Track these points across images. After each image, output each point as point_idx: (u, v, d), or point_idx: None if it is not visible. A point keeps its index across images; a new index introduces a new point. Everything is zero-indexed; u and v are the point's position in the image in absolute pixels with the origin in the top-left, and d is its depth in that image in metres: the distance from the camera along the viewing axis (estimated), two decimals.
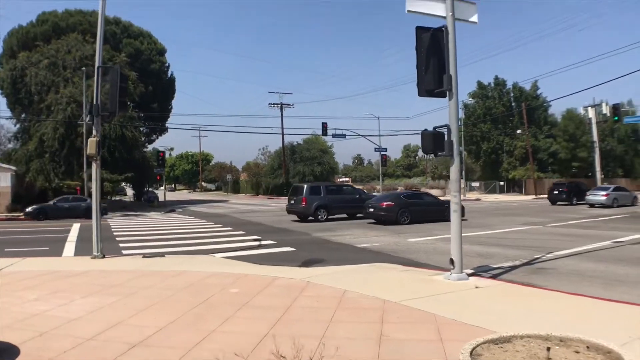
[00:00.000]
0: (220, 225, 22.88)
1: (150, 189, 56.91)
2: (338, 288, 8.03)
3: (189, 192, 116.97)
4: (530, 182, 54.61)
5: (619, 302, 7.33)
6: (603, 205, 32.40)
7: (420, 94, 9.64)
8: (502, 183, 60.05)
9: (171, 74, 50.89)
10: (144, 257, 12.08)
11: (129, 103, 34.54)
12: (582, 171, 57.30)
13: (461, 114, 61.70)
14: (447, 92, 9.32)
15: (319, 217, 24.43)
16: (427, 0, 9.42)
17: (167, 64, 49.90)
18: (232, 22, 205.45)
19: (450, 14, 9.29)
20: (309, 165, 72.87)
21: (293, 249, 14.53)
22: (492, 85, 61.41)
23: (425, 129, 9.64)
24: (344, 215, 25.71)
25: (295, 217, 25.29)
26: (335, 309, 6.76)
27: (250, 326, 5.91)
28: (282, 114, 69.22)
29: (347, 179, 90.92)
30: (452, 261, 9.12)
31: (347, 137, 54.69)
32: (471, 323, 6.02)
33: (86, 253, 12.92)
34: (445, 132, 9.35)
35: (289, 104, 70.08)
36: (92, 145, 11.41)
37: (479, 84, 62.37)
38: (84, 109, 31.37)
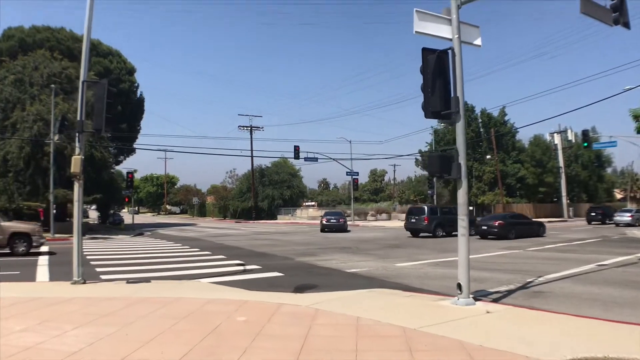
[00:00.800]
0: (197, 249, 22.17)
1: (115, 211, 55.49)
2: (350, 315, 7.64)
3: (154, 215, 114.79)
4: (500, 207, 55.33)
5: (627, 323, 7.56)
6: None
7: (426, 116, 9.49)
8: (471, 208, 60.63)
9: (140, 94, 50.11)
10: (127, 282, 11.42)
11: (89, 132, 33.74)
12: (548, 196, 58.53)
13: (431, 139, 62.53)
14: (455, 115, 9.19)
15: (437, 233, 29.20)
16: (434, 23, 9.35)
17: (136, 84, 49.12)
18: (201, 43, 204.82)
19: (457, 36, 9.26)
20: (279, 188, 72.44)
21: (280, 274, 14.06)
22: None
23: (432, 152, 9.53)
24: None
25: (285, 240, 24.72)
26: (355, 337, 6.39)
27: (274, 358, 5.46)
28: (251, 137, 68.86)
29: (313, 203, 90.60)
30: (459, 286, 8.88)
31: (316, 160, 54.57)
32: (499, 348, 5.97)
33: (62, 277, 12.16)
34: (453, 155, 9.20)
35: (259, 127, 69.81)
36: (76, 163, 10.80)
37: None
38: (52, 127, 30.33)
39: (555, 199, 57.51)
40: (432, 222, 29.47)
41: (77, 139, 11.31)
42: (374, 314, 7.76)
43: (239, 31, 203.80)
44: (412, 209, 33.01)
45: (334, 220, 38.07)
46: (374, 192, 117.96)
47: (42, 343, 6.05)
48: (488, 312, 8.15)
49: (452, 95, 9.15)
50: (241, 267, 15.42)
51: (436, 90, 9.20)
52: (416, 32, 9.23)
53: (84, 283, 10.97)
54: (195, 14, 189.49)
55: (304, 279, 13.23)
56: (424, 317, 7.61)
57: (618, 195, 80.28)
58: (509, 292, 10.89)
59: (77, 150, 11.17)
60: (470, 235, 27.26)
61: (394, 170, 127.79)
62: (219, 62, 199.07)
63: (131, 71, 48.95)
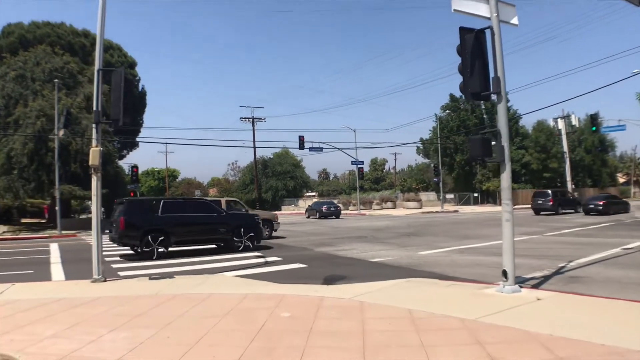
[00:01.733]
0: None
1: None
2: (399, 307, 7.16)
3: None
4: None
5: None
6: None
7: (466, 98, 9.03)
8: (476, 195, 60.37)
9: (142, 88, 49.31)
10: (150, 278, 10.90)
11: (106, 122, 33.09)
12: (552, 181, 58.07)
13: (434, 126, 62.05)
14: (496, 95, 8.69)
15: (560, 210, 37.34)
16: (472, 1, 8.85)
17: (137, 77, 48.36)
18: (203, 34, 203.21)
19: (496, 14, 8.80)
20: (282, 179, 72.07)
21: (304, 265, 13.59)
22: (465, 97, 61.83)
23: (473, 134, 8.98)
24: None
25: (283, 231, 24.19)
26: (415, 331, 5.92)
27: (340, 359, 4.97)
28: (253, 128, 67.81)
29: (314, 194, 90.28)
30: (505, 273, 8.43)
31: (321, 150, 53.97)
32: (571, 337, 5.59)
33: (79, 276, 11.66)
34: (496, 137, 8.70)
35: (261, 118, 68.97)
36: (94, 155, 10.26)
37: (452, 96, 62.85)
38: (56, 122, 29.77)
39: (560, 184, 56.94)
40: (555, 202, 37.57)
41: (94, 130, 10.76)
42: (423, 305, 7.28)
43: (241, 20, 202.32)
44: (537, 193, 41.21)
45: (333, 208, 45.92)
46: (374, 181, 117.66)
47: (77, 350, 5.51)
48: (539, 299, 7.73)
49: (493, 75, 8.66)
50: (262, 260, 14.93)
51: (475, 71, 8.71)
52: (454, 10, 8.84)
53: (105, 281, 10.46)
54: (197, 3, 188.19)
55: (330, 270, 12.76)
56: (477, 307, 7.15)
57: (621, 179, 79.90)
58: (545, 278, 10.54)
59: (94, 142, 10.63)
60: (576, 212, 33.80)
61: (395, 159, 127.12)
62: (219, 52, 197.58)
63: (132, 65, 48.22)
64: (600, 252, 14.09)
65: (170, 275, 11.23)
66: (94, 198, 10.64)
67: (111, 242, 17.17)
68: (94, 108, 10.77)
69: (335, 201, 54.40)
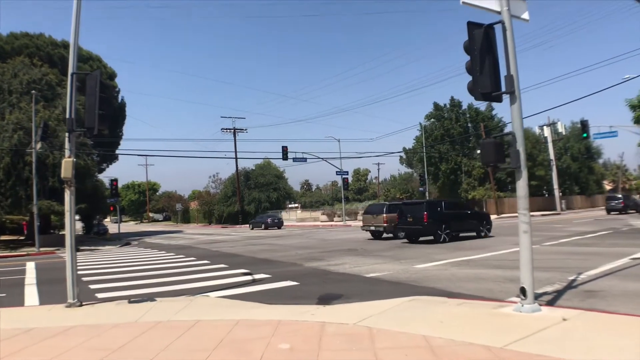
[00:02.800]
0: (193, 258, 20.63)
1: (99, 221, 53.56)
2: (413, 334, 6.32)
3: (137, 223, 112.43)
4: (491, 202, 54.54)
5: None
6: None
7: (476, 98, 8.24)
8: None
9: (122, 99, 48.32)
10: (130, 302, 9.93)
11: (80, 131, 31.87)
12: (539, 189, 57.92)
13: (419, 135, 61.62)
14: (510, 95, 7.96)
15: (629, 211, 44.20)
16: None
17: (117, 89, 47.30)
18: (183, 42, 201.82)
19: (507, 8, 8.07)
20: (265, 191, 70.92)
21: (295, 283, 12.68)
22: (448, 106, 61.64)
23: (485, 138, 8.26)
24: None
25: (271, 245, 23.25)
26: None
27: None
28: (235, 139, 67.12)
29: (297, 205, 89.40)
30: (523, 291, 7.65)
31: (305, 161, 53.18)
32: None
33: (54, 299, 10.64)
34: (510, 141, 7.95)
35: (242, 129, 68.09)
36: (67, 167, 9.31)
37: (435, 105, 62.54)
38: (33, 135, 28.53)
39: (546, 193, 56.89)
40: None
41: (67, 139, 9.82)
42: (439, 330, 6.46)
43: (222, 31, 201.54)
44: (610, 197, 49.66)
45: (276, 220, 52.28)
46: (357, 192, 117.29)
47: None
48: (565, 320, 6.95)
49: (507, 73, 7.94)
50: (249, 277, 13.99)
51: (485, 69, 7.99)
52: (463, 2, 8.16)
53: (81, 305, 9.47)
54: (178, 12, 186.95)
55: (323, 287, 11.91)
56: (500, 331, 6.35)
57: (607, 186, 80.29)
58: (559, 293, 9.83)
59: (67, 153, 9.69)
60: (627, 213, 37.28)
61: (378, 169, 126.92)
62: (201, 63, 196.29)
63: (112, 76, 47.20)
64: (608, 263, 13.40)
65: (151, 298, 10.25)
66: (67, 214, 9.69)
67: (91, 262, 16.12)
68: (67, 115, 9.86)
69: (320, 212, 53.49)
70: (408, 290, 10.64)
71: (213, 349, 5.97)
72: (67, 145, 9.75)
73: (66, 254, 9.57)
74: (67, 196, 9.53)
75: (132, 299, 10.11)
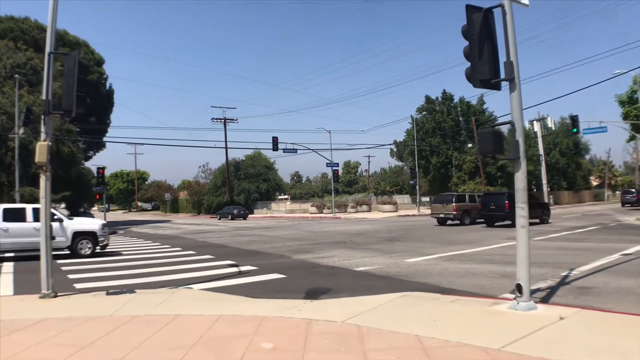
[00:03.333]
0: (179, 249, 20.17)
1: (85, 210, 52.78)
2: (406, 333, 5.94)
3: (124, 212, 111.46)
4: None
5: None
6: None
7: (475, 85, 7.83)
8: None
9: (110, 86, 47.58)
10: (108, 293, 9.48)
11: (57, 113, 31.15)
12: (528, 184, 57.73)
13: (410, 127, 61.30)
14: (509, 83, 7.58)
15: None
16: None
17: (105, 75, 46.54)
18: (174, 31, 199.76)
19: None
20: (254, 182, 70.41)
21: (282, 276, 12.27)
22: (440, 99, 61.34)
23: (483, 127, 7.87)
24: None
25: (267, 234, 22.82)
26: None
27: None
28: (225, 129, 66.57)
29: (286, 197, 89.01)
30: (519, 288, 7.32)
31: (295, 152, 52.71)
32: None
33: (29, 289, 10.11)
34: (508, 131, 7.59)
35: (233, 119, 67.45)
36: (41, 151, 8.80)
37: (427, 98, 62.21)
38: (16, 120, 27.81)
39: (535, 187, 56.81)
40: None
41: (43, 122, 9.30)
42: (432, 329, 6.08)
43: (213, 18, 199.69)
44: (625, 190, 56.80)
45: (242, 212, 55.33)
46: (347, 184, 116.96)
47: None
48: (562, 319, 6.64)
49: (506, 59, 7.55)
50: (235, 269, 13.56)
51: (484, 55, 7.59)
52: None
53: (55, 296, 9.00)
54: (168, 2, 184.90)
55: (311, 280, 11.54)
56: (496, 331, 6.01)
57: (594, 182, 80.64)
58: (552, 289, 9.53)
59: (43, 136, 9.17)
60: None
61: (369, 162, 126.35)
62: (191, 50, 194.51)
63: (99, 62, 46.36)
64: (599, 259, 13.16)
65: (130, 290, 9.80)
66: (42, 200, 9.18)
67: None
68: (44, 97, 9.32)
69: (309, 204, 53.17)
70: (399, 285, 10.29)
71: (191, 346, 5.55)
72: (42, 128, 9.23)
73: (41, 241, 9.08)
74: (42, 182, 9.03)
75: (110, 291, 9.66)
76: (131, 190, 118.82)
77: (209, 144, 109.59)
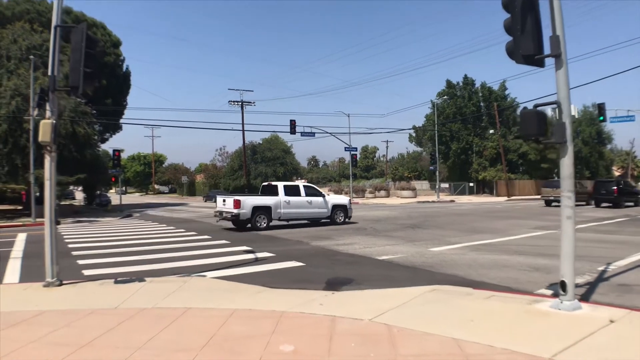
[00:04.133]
0: (193, 233, 19.69)
1: (102, 192, 52.81)
2: (442, 336, 5.29)
3: (141, 195, 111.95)
4: (502, 183, 53.34)
5: None
6: None
7: (517, 61, 7.04)
8: (471, 184, 58.68)
9: (126, 68, 46.95)
10: (116, 282, 8.95)
11: (81, 98, 30.81)
12: (550, 172, 56.69)
13: (430, 112, 60.17)
14: (555, 59, 6.80)
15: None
16: None
17: (122, 57, 45.95)
18: (194, 11, 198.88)
19: None
20: (271, 166, 69.90)
21: (300, 264, 11.68)
22: (461, 84, 60.05)
23: (525, 107, 7.10)
24: None
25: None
26: None
27: None
28: (242, 113, 65.62)
29: (303, 180, 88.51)
30: (563, 285, 6.61)
31: (313, 135, 51.92)
32: None
33: (35, 275, 9.67)
34: (553, 112, 6.83)
35: (250, 102, 66.62)
36: (45, 129, 8.25)
37: (448, 82, 61.01)
38: (31, 102, 27.42)
39: (556, 176, 55.50)
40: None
41: (47, 98, 8.73)
42: (471, 332, 5.42)
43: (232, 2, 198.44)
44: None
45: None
46: (365, 169, 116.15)
47: None
48: (612, 322, 5.94)
49: (552, 34, 6.77)
50: (252, 255, 13.00)
51: (527, 28, 6.81)
52: None
53: (60, 285, 8.49)
54: None
55: (331, 269, 10.95)
56: (542, 335, 5.35)
57: (616, 172, 78.78)
58: (592, 286, 8.81)
59: (47, 114, 8.61)
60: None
61: (387, 147, 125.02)
62: (209, 31, 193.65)
63: (116, 44, 45.79)
64: (635, 254, 12.36)
65: (140, 278, 9.24)
66: (46, 182, 8.66)
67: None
68: (49, 72, 8.77)
69: (327, 189, 52.80)
70: (425, 277, 9.72)
71: (200, 348, 4.95)
72: (47, 105, 8.67)
73: (45, 226, 8.57)
74: (47, 163, 8.50)
75: (118, 279, 9.12)
76: (148, 173, 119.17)
77: (227, 126, 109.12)
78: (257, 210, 20.46)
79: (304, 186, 22.16)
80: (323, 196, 22.20)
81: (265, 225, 20.46)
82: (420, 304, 6.84)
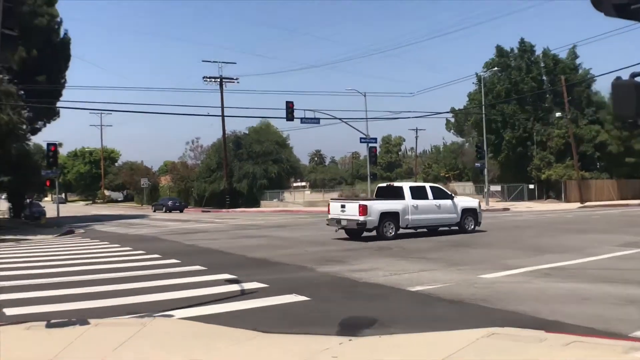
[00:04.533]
0: (157, 256, 19.50)
1: (33, 201, 52.89)
2: None
3: (87, 204, 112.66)
4: (572, 184, 53.12)
5: None
6: None
7: (606, 13, 6.67)
8: (531, 186, 58.50)
9: (65, 34, 47.22)
10: (48, 325, 8.63)
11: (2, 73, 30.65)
12: (637, 169, 56.40)
13: (475, 90, 59.95)
14: None
15: None
16: None
17: (58, 19, 46.01)
18: None
19: None
20: (262, 163, 69.90)
21: (304, 298, 11.43)
22: (517, 51, 59.94)
23: (619, 77, 6.79)
24: None
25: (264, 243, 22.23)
26: None
27: None
28: (222, 92, 65.80)
29: (304, 184, 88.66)
30: None
31: (318, 122, 51.77)
32: None
33: None
34: None
35: (232, 78, 66.69)
36: None
37: (499, 49, 60.89)
38: None
39: None
40: None
41: None
42: None
43: None
44: None
45: (177, 204, 67.55)
46: (387, 167, 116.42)
47: None
48: None
49: None
50: (236, 287, 12.79)
51: None
52: None
53: None
54: None
55: (346, 306, 10.89)
56: None
57: None
58: None
59: None
60: None
61: (416, 137, 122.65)
62: None
63: (51, 1, 45.80)
64: None
65: (82, 320, 8.86)
66: None
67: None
68: None
69: (337, 194, 52.62)
70: (479, 315, 9.57)
71: None
72: None
73: None
74: None
75: (51, 321, 8.79)
76: (96, 175, 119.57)
77: (201, 111, 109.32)
78: (385, 217, 22.54)
79: (431, 187, 25.26)
80: (452, 198, 24.71)
81: (393, 234, 22.71)
82: (475, 355, 6.52)
